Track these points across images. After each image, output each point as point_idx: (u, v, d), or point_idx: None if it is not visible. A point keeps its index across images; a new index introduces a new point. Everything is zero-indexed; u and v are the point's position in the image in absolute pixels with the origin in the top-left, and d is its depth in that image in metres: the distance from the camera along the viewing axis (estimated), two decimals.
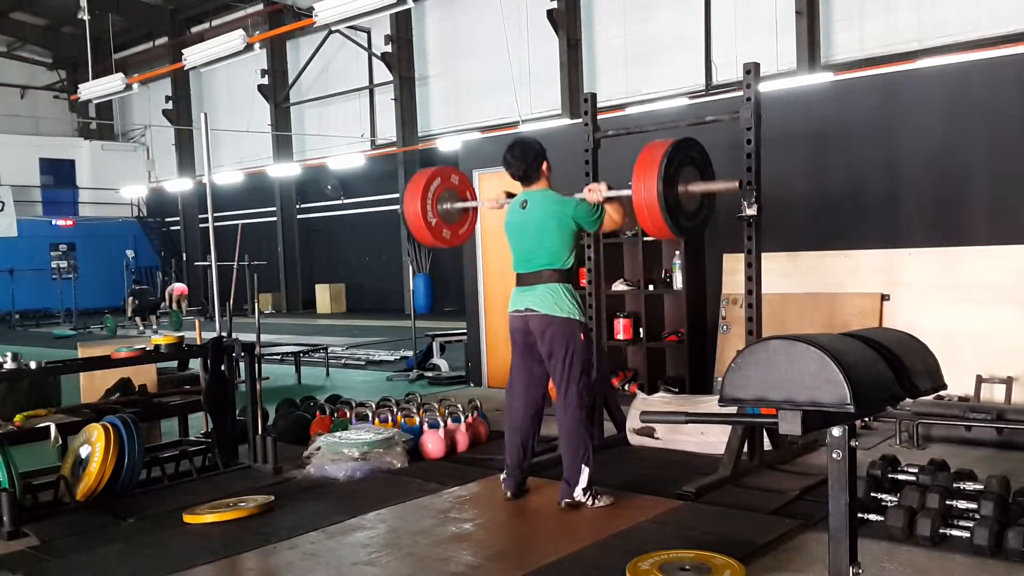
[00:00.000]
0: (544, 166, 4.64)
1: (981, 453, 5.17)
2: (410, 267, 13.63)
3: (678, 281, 7.15)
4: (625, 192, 4.52)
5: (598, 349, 5.83)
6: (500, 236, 8.71)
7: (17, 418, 5.26)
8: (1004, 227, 5.98)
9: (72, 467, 4.84)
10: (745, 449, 4.99)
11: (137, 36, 27.56)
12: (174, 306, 21.05)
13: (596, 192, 4.56)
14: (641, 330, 7.40)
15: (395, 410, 6.15)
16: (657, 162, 4.35)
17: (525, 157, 4.58)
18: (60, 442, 5.10)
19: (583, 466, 4.43)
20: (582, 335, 4.50)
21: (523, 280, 4.59)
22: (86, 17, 19.79)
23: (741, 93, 4.99)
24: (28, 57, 30.04)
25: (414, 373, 9.82)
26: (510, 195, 4.99)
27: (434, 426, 5.80)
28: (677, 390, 7.01)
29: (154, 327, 17.88)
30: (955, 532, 3.71)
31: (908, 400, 2.96)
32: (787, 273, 6.64)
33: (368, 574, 3.76)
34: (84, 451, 4.81)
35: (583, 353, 4.52)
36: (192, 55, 15.40)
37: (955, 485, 3.92)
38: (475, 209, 5.48)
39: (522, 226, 4.61)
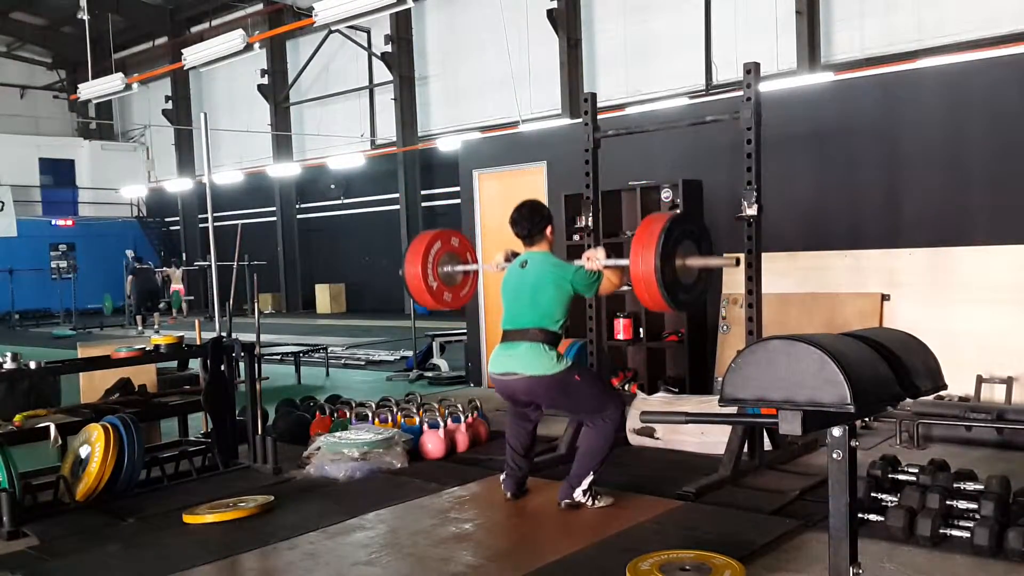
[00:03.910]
0: (548, 230, 4.69)
1: (981, 453, 5.17)
2: None
3: None
4: (623, 262, 4.50)
5: (598, 349, 5.83)
6: (500, 237, 8.72)
7: (17, 418, 5.26)
8: (1004, 227, 5.98)
9: (72, 467, 4.84)
10: (745, 449, 4.99)
11: (137, 36, 27.53)
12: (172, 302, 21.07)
13: (594, 261, 4.57)
14: (641, 330, 7.40)
15: (395, 410, 6.15)
16: (655, 237, 4.30)
17: (532, 219, 4.65)
18: (60, 442, 5.10)
19: (592, 472, 4.46)
20: (576, 376, 4.48)
21: (507, 336, 4.58)
22: (86, 17, 19.76)
23: (741, 93, 4.99)
24: (28, 57, 30.02)
25: (414, 373, 9.82)
26: (511, 255, 4.95)
27: (434, 426, 5.80)
28: (677, 390, 7.00)
29: (155, 327, 17.87)
30: (955, 532, 3.71)
31: (908, 400, 2.96)
32: (787, 273, 6.64)
33: (368, 574, 3.76)
34: (84, 451, 4.81)
35: (589, 387, 4.51)
36: (192, 55, 15.38)
37: (955, 485, 3.92)
38: (475, 272, 5.46)
39: (519, 285, 4.63)
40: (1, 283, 22.34)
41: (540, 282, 4.53)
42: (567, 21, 17.28)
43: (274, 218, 24.57)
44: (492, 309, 8.52)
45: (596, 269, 4.54)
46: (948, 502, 3.81)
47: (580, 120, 5.86)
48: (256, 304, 6.89)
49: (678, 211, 4.62)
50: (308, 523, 4.40)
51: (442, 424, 5.85)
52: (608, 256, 4.61)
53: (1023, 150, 5.97)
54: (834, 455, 2.50)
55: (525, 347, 4.46)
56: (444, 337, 10.39)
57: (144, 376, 6.72)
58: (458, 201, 9.46)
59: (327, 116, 23.03)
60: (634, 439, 5.79)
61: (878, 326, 6.18)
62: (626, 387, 7.42)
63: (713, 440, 5.31)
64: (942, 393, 3.05)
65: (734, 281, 6.81)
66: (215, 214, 6.64)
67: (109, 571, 3.97)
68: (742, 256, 4.94)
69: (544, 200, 8.07)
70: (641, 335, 7.41)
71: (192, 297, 22.57)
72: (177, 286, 21.46)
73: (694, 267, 4.45)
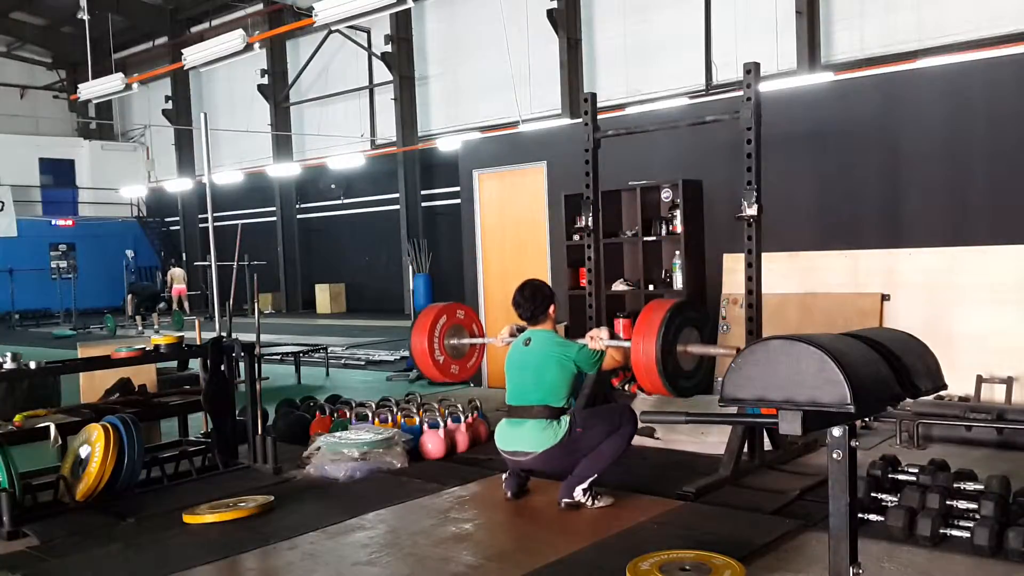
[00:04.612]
0: (551, 309, 4.76)
1: (981, 453, 5.17)
2: (410, 267, 13.61)
3: (678, 281, 7.15)
4: (625, 343, 4.55)
5: None
6: (500, 236, 8.74)
7: (17, 418, 5.26)
8: (1004, 227, 5.98)
9: (72, 467, 4.84)
10: (745, 449, 4.99)
11: (137, 36, 27.54)
12: (175, 305, 21.01)
13: (598, 340, 4.63)
14: None
15: (395, 410, 6.15)
16: (656, 327, 4.31)
17: (534, 300, 4.73)
18: (60, 442, 5.11)
19: (596, 473, 4.48)
20: (579, 429, 4.53)
21: (513, 412, 4.65)
22: (86, 17, 19.78)
23: (741, 93, 4.99)
24: (28, 57, 30.03)
25: (414, 373, 9.81)
26: (516, 330, 5.00)
27: (434, 426, 5.80)
28: None
29: (155, 326, 17.86)
30: (955, 532, 3.71)
31: (908, 400, 2.96)
32: (787, 273, 6.64)
33: (368, 574, 3.76)
34: (84, 451, 4.81)
35: (593, 429, 4.54)
36: (192, 55, 15.37)
37: (955, 485, 3.93)
38: (482, 345, 5.47)
39: (523, 363, 4.70)
40: (1, 283, 22.34)
41: (544, 361, 4.61)
42: (567, 21, 17.28)
43: (274, 218, 24.57)
44: (492, 308, 8.51)
45: (599, 349, 4.60)
46: (948, 502, 3.81)
47: (580, 120, 5.86)
48: (256, 304, 6.88)
49: (681, 299, 4.68)
50: (308, 523, 4.40)
51: (442, 424, 5.85)
52: (611, 336, 4.69)
53: (1023, 150, 5.97)
54: (834, 455, 2.50)
55: (531, 424, 4.54)
56: None
57: (144, 376, 6.73)
58: (458, 201, 9.46)
59: (327, 116, 23.03)
60: (634, 439, 5.78)
61: (878, 326, 6.18)
62: (626, 387, 7.41)
63: (713, 440, 5.32)
64: (942, 393, 3.05)
65: (734, 281, 6.81)
66: (215, 214, 6.64)
67: (109, 571, 3.97)
68: (743, 345, 4.93)
69: (544, 200, 8.12)
70: None
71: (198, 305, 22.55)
72: (180, 286, 21.42)
73: (695, 354, 4.48)
